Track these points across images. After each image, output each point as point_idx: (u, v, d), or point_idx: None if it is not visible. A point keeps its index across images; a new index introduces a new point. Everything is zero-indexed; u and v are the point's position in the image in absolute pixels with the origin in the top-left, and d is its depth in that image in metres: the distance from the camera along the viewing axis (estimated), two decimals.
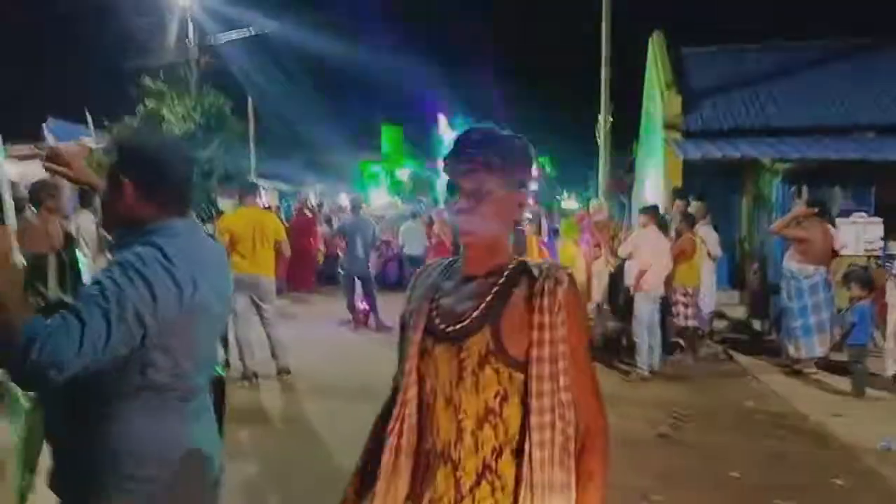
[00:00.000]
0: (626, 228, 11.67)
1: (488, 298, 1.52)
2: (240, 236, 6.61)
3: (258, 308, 6.74)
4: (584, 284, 8.59)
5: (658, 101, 12.48)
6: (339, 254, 10.18)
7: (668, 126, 11.79)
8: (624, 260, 7.94)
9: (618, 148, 16.13)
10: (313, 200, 17.83)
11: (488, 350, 1.46)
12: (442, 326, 1.53)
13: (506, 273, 1.55)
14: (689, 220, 8.27)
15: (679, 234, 8.11)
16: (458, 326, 1.50)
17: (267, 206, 12.37)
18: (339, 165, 27.34)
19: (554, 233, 8.43)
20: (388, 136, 34.26)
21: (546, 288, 1.48)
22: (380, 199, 18.09)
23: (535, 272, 1.53)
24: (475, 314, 1.50)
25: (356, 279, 9.68)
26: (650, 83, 13.88)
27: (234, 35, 17.93)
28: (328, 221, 14.88)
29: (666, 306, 7.87)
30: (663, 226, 7.89)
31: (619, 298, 8.55)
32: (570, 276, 1.51)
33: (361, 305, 9.80)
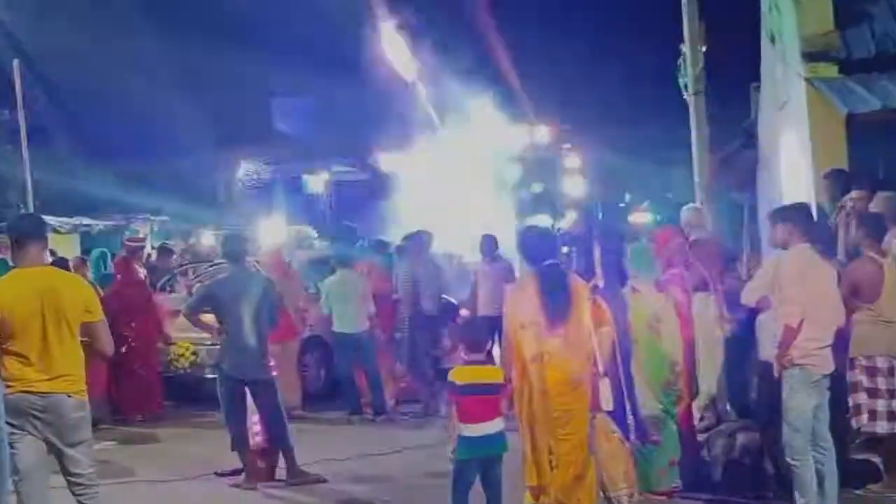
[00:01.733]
0: (748, 251, 11.63)
1: None
2: (18, 323, 6.46)
3: (60, 458, 6.60)
4: (681, 363, 8.55)
5: (789, 12, 12.65)
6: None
7: (811, 55, 11.92)
8: (754, 312, 7.91)
9: (722, 105, 16.26)
10: (150, 245, 17.62)
11: None
12: None
13: None
14: (872, 228, 8.28)
15: (853, 255, 8.16)
16: None
17: (53, 259, 12.27)
18: (196, 178, 27.44)
19: (616, 268, 8.40)
20: (284, 115, 34.96)
21: None
22: (274, 230, 18.05)
23: None
24: None
25: (245, 388, 9.57)
26: None
27: None
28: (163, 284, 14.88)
29: (840, 393, 7.85)
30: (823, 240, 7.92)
31: (750, 384, 8.57)
32: None
33: (258, 438, 9.69)
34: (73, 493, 6.70)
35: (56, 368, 6.55)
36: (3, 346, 6.46)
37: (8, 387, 6.37)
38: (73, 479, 6.67)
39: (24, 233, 6.98)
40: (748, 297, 7.92)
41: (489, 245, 14.65)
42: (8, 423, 6.47)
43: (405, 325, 13.39)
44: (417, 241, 14.00)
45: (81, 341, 6.75)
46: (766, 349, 7.75)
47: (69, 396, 6.59)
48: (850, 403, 8.02)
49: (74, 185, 20.33)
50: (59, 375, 6.55)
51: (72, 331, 6.64)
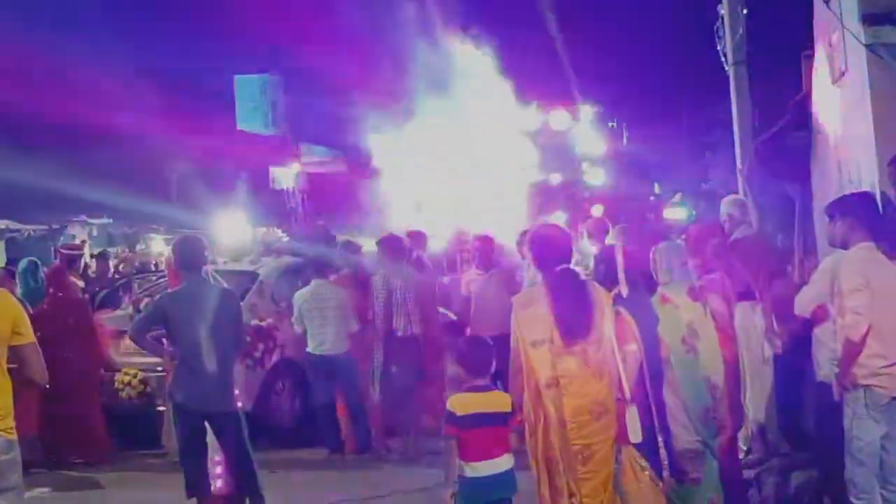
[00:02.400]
0: (802, 251, 11.64)
1: None
2: None
3: None
4: (722, 386, 8.54)
5: None
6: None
7: (872, 17, 11.92)
8: (809, 324, 8.05)
9: (768, 78, 16.26)
10: (89, 253, 17.60)
11: None
12: None
13: None
14: None
15: None
16: None
17: None
18: (145, 172, 27.45)
19: (642, 274, 8.37)
20: (249, 95, 35.00)
21: None
22: (237, 232, 18.07)
23: None
24: None
25: (205, 423, 9.56)
26: None
27: None
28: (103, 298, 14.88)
29: None
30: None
31: (806, 411, 8.76)
32: None
33: (220, 482, 9.76)
34: None
35: None
36: None
37: None
38: None
39: None
40: (802, 306, 7.92)
41: (484, 249, 14.28)
42: None
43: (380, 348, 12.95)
44: (395, 244, 13.60)
45: (8, 368, 6.72)
46: (824, 368, 7.74)
47: None
48: None
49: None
50: None
51: None
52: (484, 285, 13.78)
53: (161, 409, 11.76)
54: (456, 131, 27.13)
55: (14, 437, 6.72)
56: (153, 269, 18.93)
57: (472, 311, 13.73)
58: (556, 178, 33.65)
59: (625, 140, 33.12)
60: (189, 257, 10.14)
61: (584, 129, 33.41)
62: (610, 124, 32.54)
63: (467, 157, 26.09)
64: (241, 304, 11.17)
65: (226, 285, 11.08)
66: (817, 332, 8.27)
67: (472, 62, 27.98)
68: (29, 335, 6.84)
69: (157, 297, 11.69)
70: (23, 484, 6.90)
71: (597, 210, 30.20)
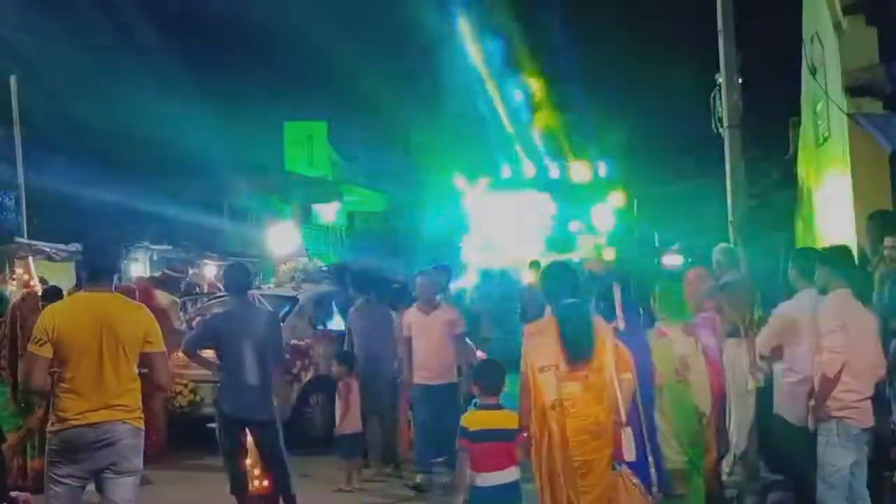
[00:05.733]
0: (784, 297, 11.64)
1: None
2: (71, 349, 6.73)
3: (103, 490, 6.83)
4: (709, 414, 8.51)
5: (831, 43, 12.66)
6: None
7: (854, 89, 11.91)
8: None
9: (759, 140, 16.24)
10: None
11: None
12: None
13: None
14: None
15: None
16: None
17: (45, 287, 12.74)
18: (200, 204, 27.61)
19: (637, 310, 8.34)
20: (297, 139, 35.47)
21: None
22: (282, 260, 18.18)
23: None
24: None
25: (246, 429, 9.59)
26: (810, 20, 14.15)
27: None
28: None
29: (881, 450, 7.85)
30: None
31: (782, 438, 8.50)
32: None
33: (257, 482, 9.69)
34: None
35: (110, 395, 6.82)
36: (57, 374, 6.74)
37: (62, 421, 6.66)
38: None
39: (97, 257, 7.32)
40: (762, 346, 8.23)
41: (427, 285, 12.10)
42: (52, 468, 6.77)
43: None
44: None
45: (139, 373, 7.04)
46: (778, 404, 8.01)
47: (123, 423, 6.85)
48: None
49: (72, 206, 20.27)
50: (114, 405, 6.83)
51: (126, 357, 6.91)
52: (422, 327, 11.79)
53: (209, 416, 11.67)
54: (488, 184, 27.07)
55: (141, 426, 7.00)
56: (201, 291, 18.99)
57: (414, 354, 11.79)
58: (576, 225, 33.83)
59: (635, 207, 33.16)
60: (237, 282, 10.24)
61: (600, 183, 33.25)
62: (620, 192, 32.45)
63: (498, 208, 25.96)
64: (282, 325, 11.25)
65: (269, 307, 11.19)
66: (774, 367, 8.43)
67: (508, 124, 28.04)
68: (158, 345, 7.11)
69: (208, 316, 11.75)
70: (142, 469, 7.10)
71: (609, 253, 30.19)
